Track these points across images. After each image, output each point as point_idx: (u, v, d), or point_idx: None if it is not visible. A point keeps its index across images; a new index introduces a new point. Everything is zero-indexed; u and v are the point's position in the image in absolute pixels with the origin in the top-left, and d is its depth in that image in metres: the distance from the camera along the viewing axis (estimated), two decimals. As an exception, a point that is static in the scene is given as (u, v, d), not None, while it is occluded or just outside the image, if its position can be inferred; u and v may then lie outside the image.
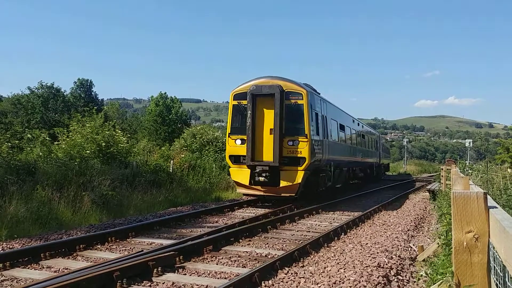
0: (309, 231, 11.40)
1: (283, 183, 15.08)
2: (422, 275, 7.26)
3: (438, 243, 8.53)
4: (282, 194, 15.35)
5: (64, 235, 9.97)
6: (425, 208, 17.83)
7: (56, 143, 18.53)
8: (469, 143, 50.43)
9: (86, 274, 6.32)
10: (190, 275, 7.18)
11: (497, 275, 2.61)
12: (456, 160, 34.78)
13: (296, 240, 10.23)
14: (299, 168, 15.02)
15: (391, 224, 13.17)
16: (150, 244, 9.33)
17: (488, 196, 2.78)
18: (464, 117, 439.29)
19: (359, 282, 6.72)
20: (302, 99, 15.37)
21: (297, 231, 11.48)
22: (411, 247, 9.90)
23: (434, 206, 17.56)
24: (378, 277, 6.96)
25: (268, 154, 15.24)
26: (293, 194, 15.22)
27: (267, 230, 11.25)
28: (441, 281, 5.72)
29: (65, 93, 58.94)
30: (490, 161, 19.14)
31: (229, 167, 16.39)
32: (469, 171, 18.18)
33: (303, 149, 15.04)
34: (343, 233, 11.22)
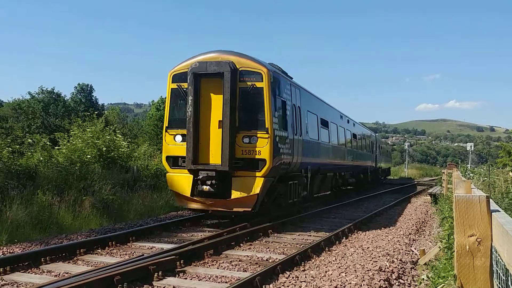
0: (310, 235, 11.37)
1: (235, 194, 11.40)
2: (423, 279, 7.22)
3: (439, 247, 8.50)
4: (235, 209, 11.60)
5: (65, 239, 9.95)
6: (427, 211, 17.79)
7: (56, 148, 18.52)
8: (471, 146, 50.29)
9: (87, 278, 6.30)
10: (191, 279, 7.16)
11: (499, 279, 2.59)
12: (458, 164, 34.77)
13: (297, 244, 10.20)
14: (257, 173, 11.37)
15: (393, 227, 13.15)
16: (151, 248, 9.31)
17: (491, 200, 2.77)
18: (465, 121, 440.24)
19: (361, 286, 6.70)
20: (262, 80, 11.59)
21: (299, 235, 11.44)
22: (413, 251, 9.87)
23: (436, 210, 17.54)
24: (379, 281, 6.93)
25: (216, 155, 11.60)
26: (249, 209, 11.45)
27: (268, 234, 11.22)
28: (443, 284, 5.69)
29: (65, 98, 59.16)
30: (492, 165, 19.12)
31: (166, 172, 12.62)
32: (471, 174, 18.15)
33: (263, 148, 11.40)
34: (344, 237, 11.19)
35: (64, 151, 17.72)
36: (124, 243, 9.65)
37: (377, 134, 39.03)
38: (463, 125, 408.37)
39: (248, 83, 11.66)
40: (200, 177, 11.52)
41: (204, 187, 11.48)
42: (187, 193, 11.81)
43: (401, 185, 35.43)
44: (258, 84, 11.61)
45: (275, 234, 11.40)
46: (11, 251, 8.75)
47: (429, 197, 22.28)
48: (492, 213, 2.63)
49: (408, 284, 7.32)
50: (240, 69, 11.71)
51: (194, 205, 12.03)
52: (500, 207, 4.24)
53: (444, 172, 24.45)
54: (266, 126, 11.46)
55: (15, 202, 10.95)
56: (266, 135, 11.44)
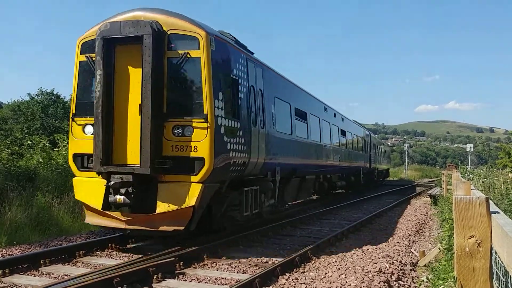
0: (310, 237, 11.36)
1: (162, 207, 8.36)
2: (423, 280, 7.22)
3: (439, 248, 8.50)
4: (161, 228, 8.48)
5: (64, 241, 9.94)
6: (426, 213, 17.79)
7: (56, 149, 18.51)
8: (470, 147, 50.42)
9: (86, 281, 6.30)
10: (191, 281, 7.15)
11: (499, 281, 2.59)
12: (457, 165, 34.78)
13: (297, 245, 10.18)
14: (193, 177, 8.39)
15: (392, 229, 13.15)
16: (150, 250, 9.29)
17: (490, 201, 2.77)
18: (465, 122, 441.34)
19: (360, 287, 6.70)
20: (199, 48, 8.54)
21: (299, 236, 11.43)
22: (412, 252, 9.86)
23: (436, 211, 17.55)
24: (379, 283, 6.93)
25: (135, 152, 8.56)
26: (182, 227, 8.41)
27: (268, 235, 11.21)
28: (443, 286, 5.69)
29: (65, 100, 59.13)
30: (491, 166, 19.12)
31: (74, 175, 9.35)
32: (470, 176, 18.16)
33: (201, 142, 8.42)
34: (344, 239, 11.18)
35: (63, 152, 17.70)
36: (124, 245, 9.63)
37: (376, 134, 38.72)
38: (463, 126, 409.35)
39: (179, 52, 8.60)
40: (112, 183, 8.44)
41: (118, 197, 8.41)
42: (98, 205, 8.73)
43: (400, 186, 35.43)
44: (194, 54, 8.56)
45: (275, 236, 11.39)
46: (10, 253, 8.73)
47: (428, 199, 22.29)
48: (492, 215, 2.63)
49: (408, 285, 7.31)
50: (168, 32, 8.63)
51: (105, 222, 8.88)
52: (500, 208, 4.25)
53: (443, 173, 24.47)
54: (205, 112, 8.45)
55: (14, 203, 10.94)
56: (205, 125, 8.45)
